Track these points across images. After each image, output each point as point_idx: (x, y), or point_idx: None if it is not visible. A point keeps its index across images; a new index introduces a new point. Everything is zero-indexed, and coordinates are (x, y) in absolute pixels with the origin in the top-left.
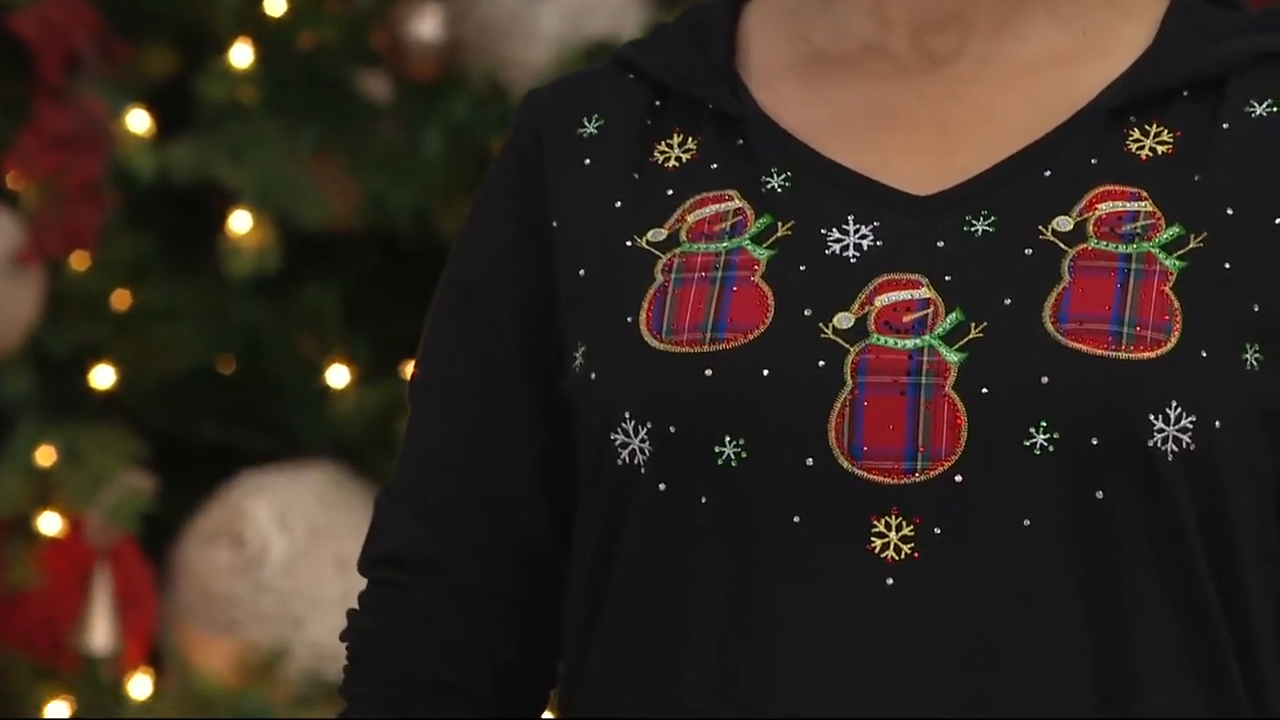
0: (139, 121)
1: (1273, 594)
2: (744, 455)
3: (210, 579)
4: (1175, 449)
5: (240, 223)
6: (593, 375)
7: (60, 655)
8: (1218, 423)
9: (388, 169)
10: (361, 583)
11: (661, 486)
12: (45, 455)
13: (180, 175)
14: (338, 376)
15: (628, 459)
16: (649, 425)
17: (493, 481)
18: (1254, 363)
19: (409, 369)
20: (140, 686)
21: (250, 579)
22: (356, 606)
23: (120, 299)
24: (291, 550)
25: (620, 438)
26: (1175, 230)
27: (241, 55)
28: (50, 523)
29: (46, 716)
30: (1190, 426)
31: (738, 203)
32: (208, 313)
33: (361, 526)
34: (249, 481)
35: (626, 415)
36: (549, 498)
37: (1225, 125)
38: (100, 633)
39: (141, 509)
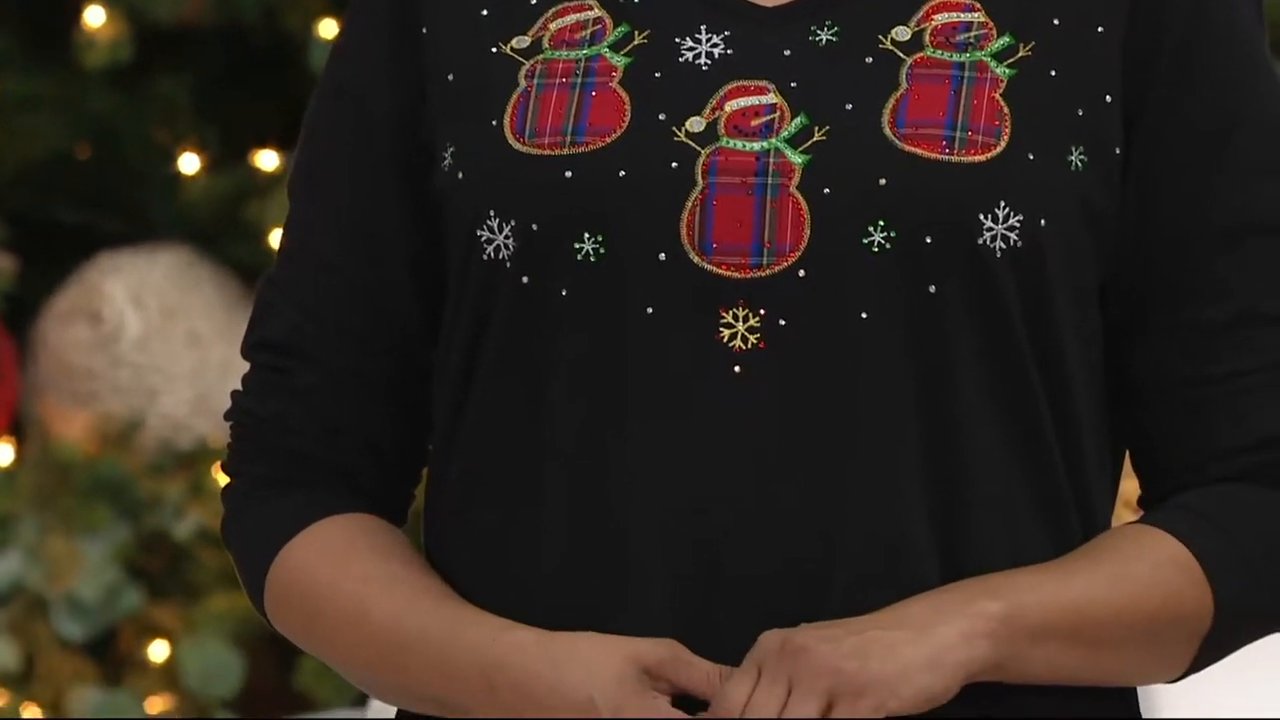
0: None
1: (1095, 381)
2: (601, 251)
3: (69, 354)
4: (1003, 246)
5: (95, 17)
6: (460, 175)
7: None
8: (1043, 221)
9: None
10: (211, 358)
11: (525, 280)
12: None
13: None
14: (189, 163)
15: (493, 254)
16: (512, 223)
17: (368, 273)
18: (1079, 164)
19: (257, 157)
20: (2, 454)
21: (107, 354)
22: (210, 380)
23: None
24: (146, 327)
25: (486, 234)
26: (1005, 40)
27: None
28: None
29: None
30: (1017, 225)
31: (597, 12)
32: (65, 102)
33: (212, 305)
34: (105, 262)
35: (491, 213)
36: (421, 290)
37: None
38: None
39: (2, 288)
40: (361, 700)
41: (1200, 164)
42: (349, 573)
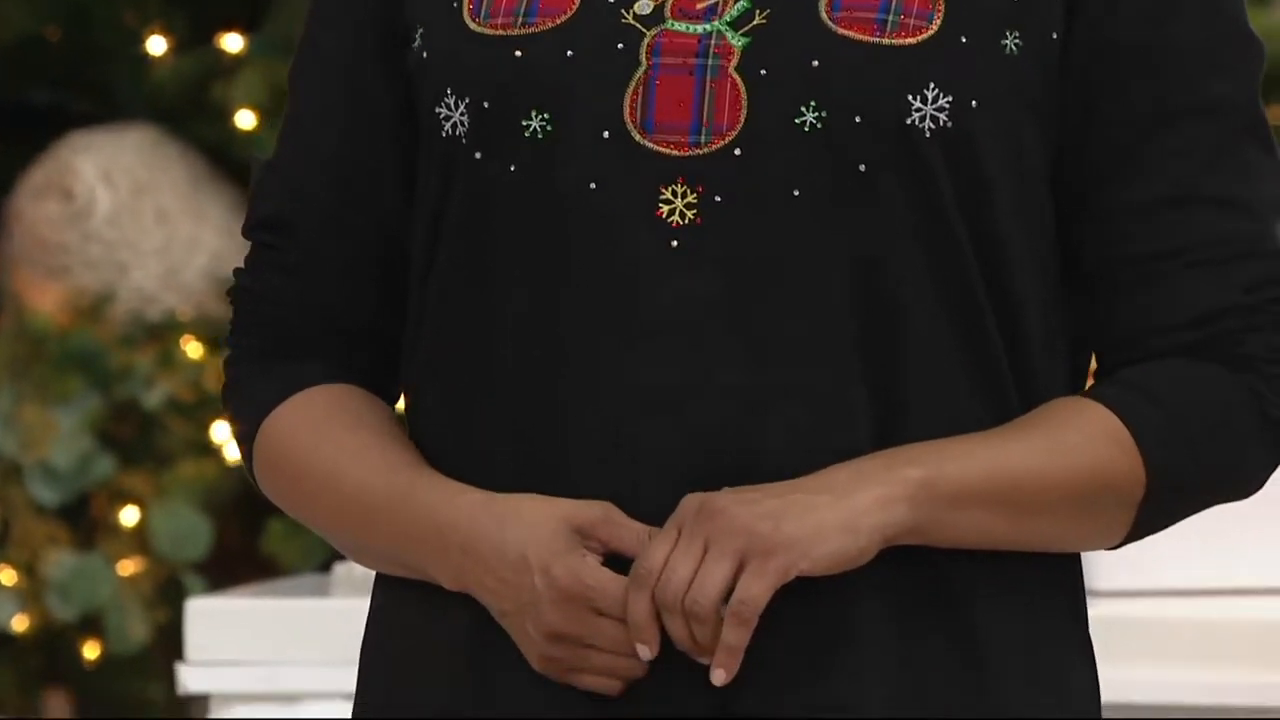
0: None
1: (1042, 264)
2: (548, 128)
3: (42, 229)
4: (933, 126)
5: None
6: (425, 55)
7: None
8: (974, 102)
9: None
10: (179, 234)
11: (478, 155)
12: None
13: None
14: (156, 45)
15: (450, 131)
16: (466, 100)
17: (353, 156)
18: (1013, 48)
19: (223, 39)
20: None
21: (78, 229)
22: (178, 255)
23: None
24: (116, 203)
25: (444, 111)
26: None
27: None
28: None
29: None
30: (947, 106)
31: None
32: None
33: (179, 183)
34: (76, 140)
35: (448, 91)
36: (405, 173)
37: None
38: None
39: None
40: (326, 565)
41: (1138, 48)
42: (326, 441)
